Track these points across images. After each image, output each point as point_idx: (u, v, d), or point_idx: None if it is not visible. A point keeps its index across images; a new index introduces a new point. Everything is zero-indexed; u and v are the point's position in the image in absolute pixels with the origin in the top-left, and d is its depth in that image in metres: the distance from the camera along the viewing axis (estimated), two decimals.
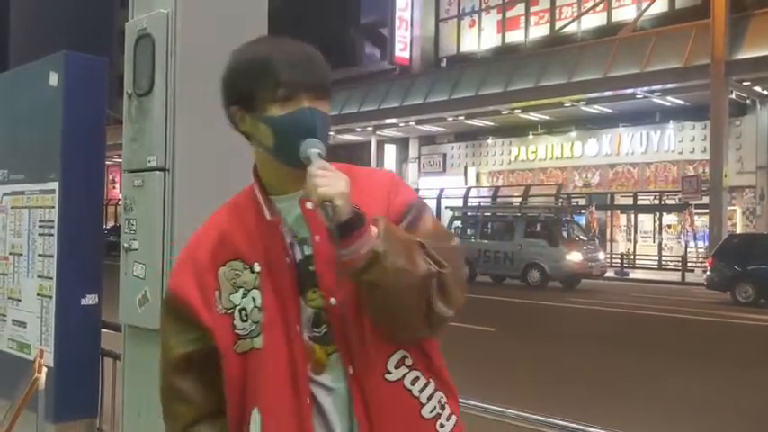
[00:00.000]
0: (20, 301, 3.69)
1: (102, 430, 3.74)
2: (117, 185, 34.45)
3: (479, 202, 25.69)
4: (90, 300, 3.46)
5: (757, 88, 21.99)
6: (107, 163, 4.09)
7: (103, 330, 3.58)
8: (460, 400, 2.34)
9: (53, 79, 3.43)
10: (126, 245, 2.64)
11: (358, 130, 31.82)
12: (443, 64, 31.76)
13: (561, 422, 2.08)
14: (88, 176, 3.50)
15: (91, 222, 3.55)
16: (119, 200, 32.33)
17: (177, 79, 2.49)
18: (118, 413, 3.07)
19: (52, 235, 3.45)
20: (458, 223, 22.23)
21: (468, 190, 28.96)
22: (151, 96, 2.54)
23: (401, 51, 31.66)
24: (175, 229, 2.51)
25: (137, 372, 2.70)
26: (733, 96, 21.95)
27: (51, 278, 3.44)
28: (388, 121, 30.05)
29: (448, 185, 29.91)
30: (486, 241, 20.51)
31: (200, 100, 2.60)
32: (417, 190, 31.42)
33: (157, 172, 2.52)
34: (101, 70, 3.54)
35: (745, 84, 21.54)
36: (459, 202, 26.62)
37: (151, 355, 2.59)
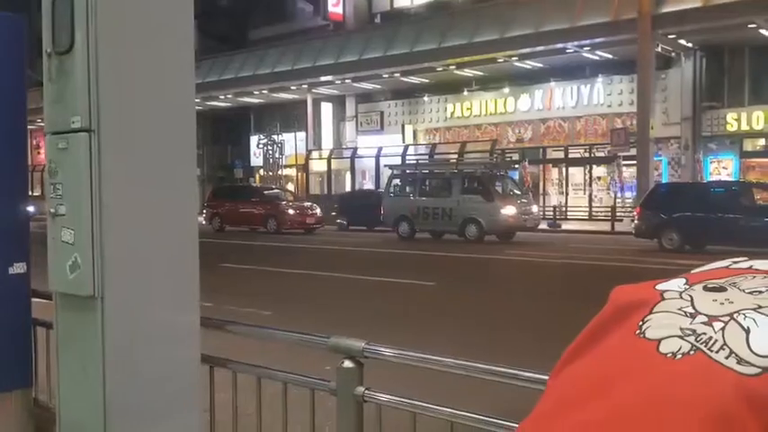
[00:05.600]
0: None
1: (38, 400, 3.67)
2: (41, 151, 33.07)
3: (417, 160, 25.81)
4: (18, 268, 3.35)
5: (682, 41, 22.64)
6: (30, 127, 3.92)
7: (36, 300, 3.49)
8: (399, 351, 2.40)
9: None
10: (53, 210, 2.54)
11: (293, 88, 31.35)
12: (377, 20, 31.43)
13: (499, 368, 2.14)
14: (9, 141, 3.35)
15: (15, 189, 3.41)
16: (44, 166, 31.25)
17: (99, 35, 2.38)
18: (54, 382, 3.01)
19: None
20: (397, 181, 22.33)
21: (406, 148, 29.04)
22: (72, 54, 2.42)
23: (334, 7, 31.15)
24: (104, 191, 2.44)
25: (70, 340, 2.64)
26: (659, 50, 22.55)
27: None
28: (323, 78, 29.67)
29: (386, 143, 29.91)
30: (424, 198, 20.71)
31: (124, 56, 2.50)
32: (356, 149, 31.40)
33: (82, 133, 2.43)
34: (18, 28, 3.36)
35: (670, 37, 22.13)
36: (398, 160, 26.70)
37: (85, 323, 2.53)
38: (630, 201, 22.53)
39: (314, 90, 31.24)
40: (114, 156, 2.46)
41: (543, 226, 22.06)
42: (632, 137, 22.36)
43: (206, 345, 2.82)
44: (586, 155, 26.11)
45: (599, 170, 25.88)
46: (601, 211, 24.81)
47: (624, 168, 22.99)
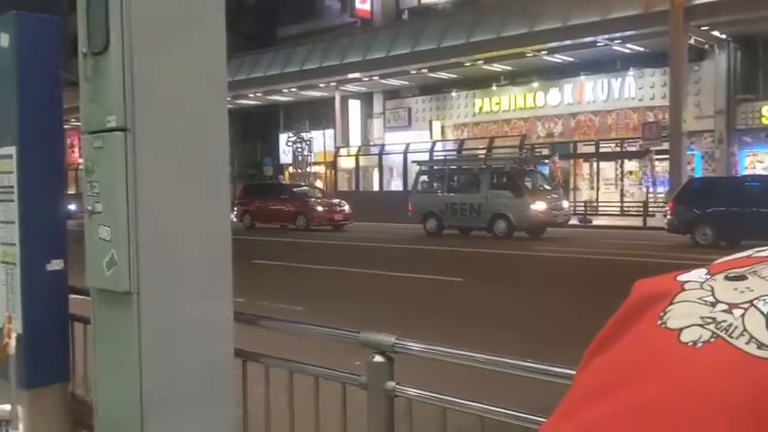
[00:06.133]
0: None
1: (75, 394, 3.75)
2: (76, 149, 33.66)
3: (445, 156, 25.72)
4: (55, 265, 3.42)
5: (715, 33, 22.21)
6: (64, 126, 4.00)
7: (73, 296, 3.56)
8: (428, 346, 2.41)
9: (4, 40, 3.32)
10: (90, 208, 2.60)
11: (321, 85, 31.45)
12: (405, 16, 31.39)
13: (528, 363, 2.14)
14: (47, 139, 3.42)
15: (52, 186, 3.49)
16: (78, 164, 31.55)
17: (133, 35, 2.43)
18: (90, 377, 3.08)
19: (13, 201, 3.38)
20: (424, 177, 22.29)
21: (434, 144, 28.96)
22: (107, 54, 2.47)
23: (361, 4, 31.15)
24: (139, 189, 2.49)
25: (107, 335, 2.70)
26: (692, 42, 22.16)
27: (14, 245, 3.39)
28: (351, 75, 29.72)
29: (413, 140, 29.86)
30: (452, 194, 20.64)
31: (158, 56, 2.54)
32: (383, 146, 31.41)
33: (117, 132, 2.48)
34: (54, 29, 3.44)
35: (703, 29, 21.73)
36: (426, 156, 26.65)
37: (121, 318, 2.59)
38: (663, 196, 22.20)
39: (342, 87, 31.31)
40: (149, 154, 2.51)
41: (574, 221, 21.85)
42: (665, 131, 22.01)
43: (237, 340, 2.86)
44: (618, 149, 25.77)
45: (630, 165, 25.53)
46: (632, 207, 24.48)
47: (656, 163, 22.65)
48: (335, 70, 29.71)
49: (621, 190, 25.41)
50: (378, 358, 2.40)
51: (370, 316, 7.54)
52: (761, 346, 0.53)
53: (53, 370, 3.48)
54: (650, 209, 22.27)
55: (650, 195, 22.84)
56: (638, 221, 22.13)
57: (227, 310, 2.76)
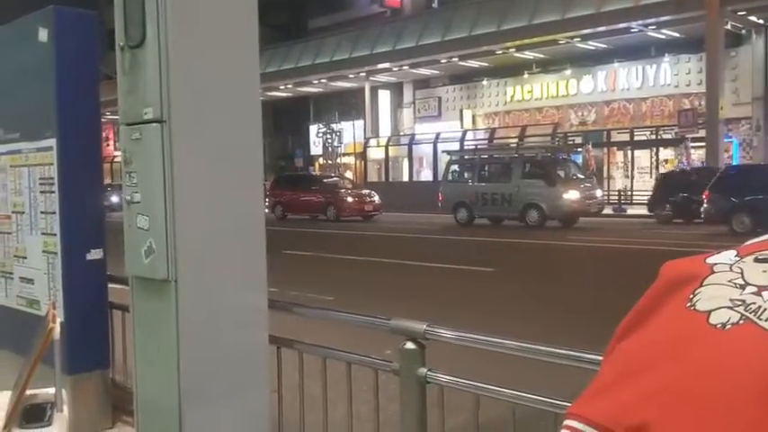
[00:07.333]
0: (25, 258, 3.74)
1: (115, 380, 3.85)
2: (111, 143, 34.20)
3: (476, 145, 25.57)
4: (95, 254, 3.51)
5: (753, 18, 21.68)
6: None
7: (112, 285, 3.64)
8: (460, 333, 2.42)
9: (43, 35, 3.41)
10: (128, 198, 2.67)
11: (351, 76, 31.46)
12: (435, 4, 31.20)
13: (561, 350, 2.15)
14: (85, 132, 3.51)
15: (91, 178, 3.57)
16: (113, 157, 31.97)
17: (169, 29, 2.48)
18: (130, 363, 3.15)
19: (53, 192, 3.48)
20: (455, 167, 22.19)
21: (465, 133, 28.80)
22: (144, 48, 2.53)
23: None
24: (175, 179, 2.54)
25: (146, 322, 2.76)
26: (728, 27, 21.66)
27: (55, 235, 3.49)
28: (380, 65, 29.67)
29: (444, 129, 29.73)
30: (483, 184, 20.52)
31: (194, 49, 2.59)
32: (413, 136, 31.33)
33: (154, 124, 2.54)
34: (91, 24, 3.51)
35: (740, 14, 21.23)
36: (456, 146, 26.51)
37: (159, 306, 2.65)
38: None
39: (372, 78, 31.27)
40: (185, 145, 2.56)
41: (608, 210, 21.57)
42: (701, 118, 21.59)
43: (271, 328, 2.90)
44: (653, 137, 25.35)
45: (666, 153, 25.10)
46: None
47: (693, 151, 22.23)
48: (365, 60, 29.68)
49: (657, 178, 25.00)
50: (409, 345, 2.43)
51: (400, 306, 7.56)
52: None
53: (94, 357, 3.58)
54: None
55: None
56: None
57: (262, 298, 2.81)
